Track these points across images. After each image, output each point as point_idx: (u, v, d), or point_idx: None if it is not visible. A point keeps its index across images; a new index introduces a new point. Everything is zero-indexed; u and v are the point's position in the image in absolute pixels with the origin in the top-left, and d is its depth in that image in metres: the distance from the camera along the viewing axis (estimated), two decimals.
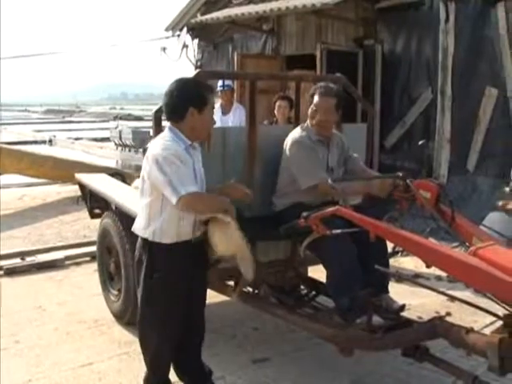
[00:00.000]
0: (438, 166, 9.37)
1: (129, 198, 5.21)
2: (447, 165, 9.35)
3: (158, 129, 4.40)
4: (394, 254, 3.95)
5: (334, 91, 4.63)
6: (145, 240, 3.62)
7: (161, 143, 3.50)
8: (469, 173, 9.12)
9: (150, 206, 3.57)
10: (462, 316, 5.34)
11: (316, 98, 4.59)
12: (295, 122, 5.25)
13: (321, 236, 3.84)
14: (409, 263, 7.15)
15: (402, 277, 6.07)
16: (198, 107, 3.53)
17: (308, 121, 4.69)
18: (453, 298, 4.01)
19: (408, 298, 5.49)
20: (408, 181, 3.97)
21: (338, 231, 3.80)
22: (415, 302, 5.68)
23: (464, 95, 9.09)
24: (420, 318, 5.07)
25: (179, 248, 3.59)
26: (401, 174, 4.03)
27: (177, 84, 3.57)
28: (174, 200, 3.36)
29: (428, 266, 3.53)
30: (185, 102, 3.52)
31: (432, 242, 3.64)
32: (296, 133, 4.68)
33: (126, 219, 5.11)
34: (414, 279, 6.30)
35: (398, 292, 5.62)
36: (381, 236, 3.69)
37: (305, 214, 3.82)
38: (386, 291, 4.47)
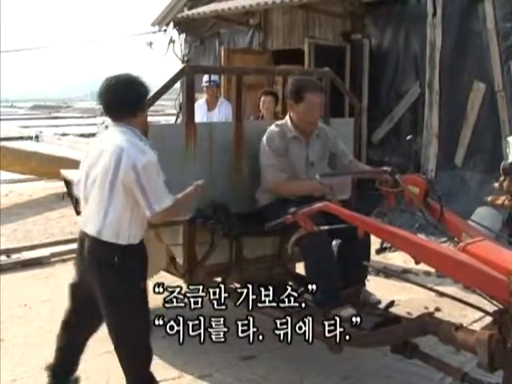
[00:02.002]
0: (426, 161, 9.36)
1: None
2: (435, 160, 9.33)
3: None
4: (383, 250, 3.91)
5: (320, 85, 4.63)
6: (116, 245, 3.49)
7: (137, 145, 3.42)
8: (457, 168, 9.11)
9: (118, 208, 3.45)
10: (450, 311, 5.33)
11: (308, 96, 4.51)
12: (283, 116, 5.20)
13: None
14: (397, 259, 7.12)
15: (391, 273, 6.05)
16: (144, 105, 3.58)
17: (288, 117, 4.66)
18: (442, 294, 3.98)
19: (397, 293, 5.48)
20: (397, 176, 3.94)
21: (326, 227, 3.77)
22: (404, 297, 5.66)
23: (452, 90, 9.07)
24: (409, 313, 5.05)
25: (142, 245, 3.60)
26: (389, 169, 4.00)
27: (122, 82, 3.50)
28: (147, 213, 3.42)
29: (417, 263, 3.51)
30: (137, 100, 3.51)
31: (421, 238, 3.62)
32: (268, 131, 4.68)
33: None
34: (403, 275, 6.28)
35: (386, 288, 5.62)
36: (369, 232, 3.66)
37: (292, 209, 3.78)
38: (363, 284, 4.48)
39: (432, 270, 6.06)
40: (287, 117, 4.71)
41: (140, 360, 3.73)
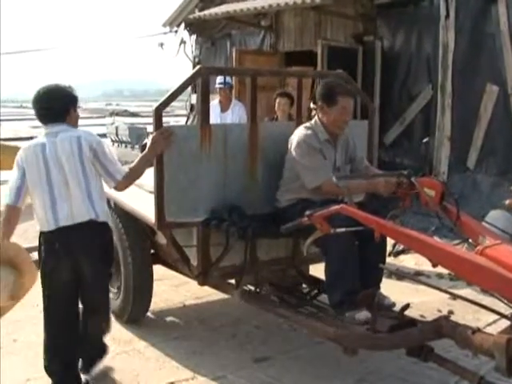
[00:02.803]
0: (438, 164, 9.33)
1: (127, 195, 5.15)
2: (447, 162, 9.30)
3: (160, 125, 4.34)
4: (399, 253, 3.89)
5: (352, 90, 4.65)
6: (105, 223, 4.02)
7: (87, 131, 4.05)
8: (469, 170, 9.08)
9: (94, 181, 3.94)
10: (464, 314, 5.30)
11: (341, 100, 4.48)
12: (297, 118, 5.18)
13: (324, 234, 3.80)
14: (409, 261, 7.10)
15: (404, 275, 6.02)
16: (74, 106, 4.06)
17: (318, 120, 4.61)
18: (456, 297, 3.95)
19: (409, 296, 5.47)
20: (413, 179, 3.93)
21: (342, 230, 3.74)
22: (416, 300, 5.63)
23: (464, 92, 9.04)
24: (422, 316, 5.04)
25: None
26: (405, 172, 3.99)
27: (55, 90, 3.98)
28: (112, 184, 4.00)
29: (434, 266, 3.49)
30: (67, 103, 4.01)
31: (438, 240, 3.60)
32: (301, 132, 4.58)
33: (124, 216, 5.08)
34: (416, 277, 6.26)
35: (399, 290, 5.60)
36: (386, 235, 3.64)
37: (308, 212, 3.76)
38: (378, 287, 4.46)
39: (445, 272, 6.05)
40: (316, 119, 4.63)
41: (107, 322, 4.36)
